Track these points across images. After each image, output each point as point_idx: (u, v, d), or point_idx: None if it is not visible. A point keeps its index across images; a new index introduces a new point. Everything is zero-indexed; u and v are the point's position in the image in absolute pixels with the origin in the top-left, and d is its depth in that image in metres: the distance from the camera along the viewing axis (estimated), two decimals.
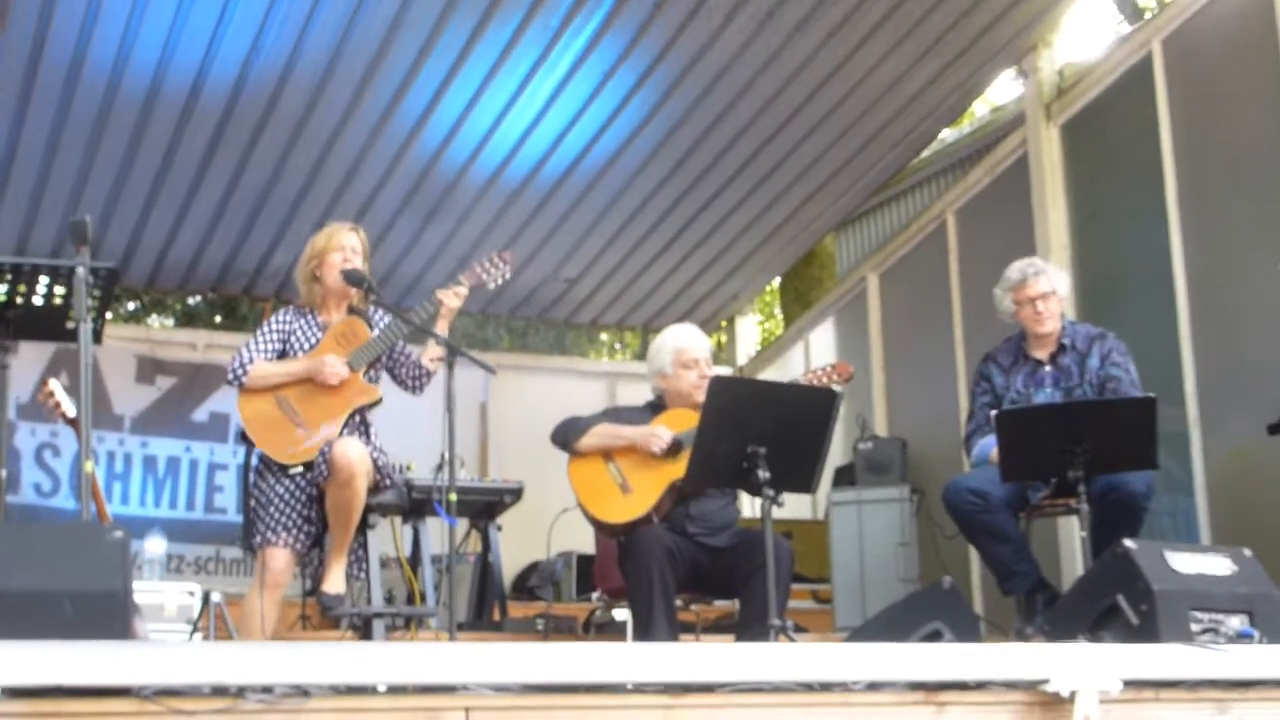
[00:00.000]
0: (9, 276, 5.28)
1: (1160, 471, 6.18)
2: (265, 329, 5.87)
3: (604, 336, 19.27)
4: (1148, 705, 3.63)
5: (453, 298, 5.74)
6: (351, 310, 5.87)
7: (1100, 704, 3.48)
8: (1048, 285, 6.35)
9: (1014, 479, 5.96)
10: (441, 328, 5.71)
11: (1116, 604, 4.33)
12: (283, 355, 5.77)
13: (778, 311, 16.83)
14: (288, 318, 5.88)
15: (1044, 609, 5.89)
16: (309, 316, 5.87)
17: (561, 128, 9.42)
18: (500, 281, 6.03)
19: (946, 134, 11.39)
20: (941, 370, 9.48)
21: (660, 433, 5.82)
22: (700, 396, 5.77)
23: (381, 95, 8.85)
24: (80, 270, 4.54)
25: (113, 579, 3.38)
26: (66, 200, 9.54)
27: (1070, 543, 7.57)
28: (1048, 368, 6.30)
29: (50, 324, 5.30)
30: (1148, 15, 11.54)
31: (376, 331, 5.78)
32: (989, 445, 6.14)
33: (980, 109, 12.50)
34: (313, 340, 5.77)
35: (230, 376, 5.73)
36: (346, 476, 5.39)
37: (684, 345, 6.10)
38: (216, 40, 8.18)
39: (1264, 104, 7.07)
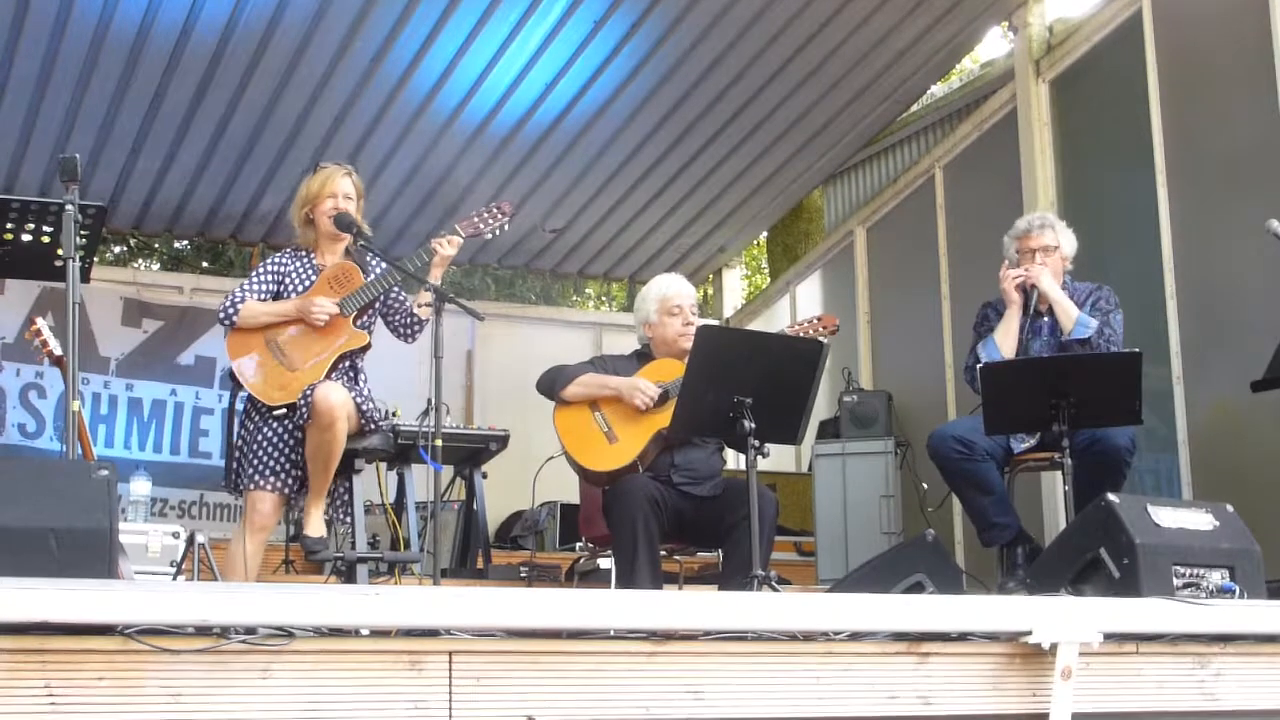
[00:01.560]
0: None
1: (1143, 428, 6.20)
2: (260, 270, 5.87)
3: (590, 288, 19.25)
4: (1128, 658, 3.66)
5: (446, 246, 5.73)
6: (348, 254, 5.85)
7: (1080, 656, 3.50)
8: (1052, 239, 6.36)
9: (998, 432, 5.98)
10: (435, 276, 5.70)
11: (1099, 557, 4.35)
12: (277, 296, 5.76)
13: (765, 266, 16.81)
14: (284, 259, 5.88)
15: (1025, 562, 5.92)
16: (305, 259, 5.86)
17: (551, 76, 9.38)
18: (499, 232, 6.02)
19: (935, 89, 11.35)
20: (928, 324, 9.49)
21: (646, 388, 5.82)
22: (685, 344, 5.78)
23: (372, 40, 8.81)
24: (69, 208, 4.52)
25: (99, 516, 3.38)
26: (54, 141, 9.50)
27: (1053, 497, 7.60)
28: (1045, 318, 6.30)
29: (38, 262, 5.30)
30: None
31: (370, 277, 5.76)
32: (989, 341, 6.23)
33: (969, 64, 12.44)
34: (307, 282, 5.76)
35: (221, 315, 5.72)
36: (328, 421, 5.39)
37: (669, 293, 6.11)
38: None
39: (1251, 61, 7.05)
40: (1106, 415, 5.75)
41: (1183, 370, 7.27)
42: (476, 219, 5.96)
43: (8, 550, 3.18)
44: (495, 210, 5.98)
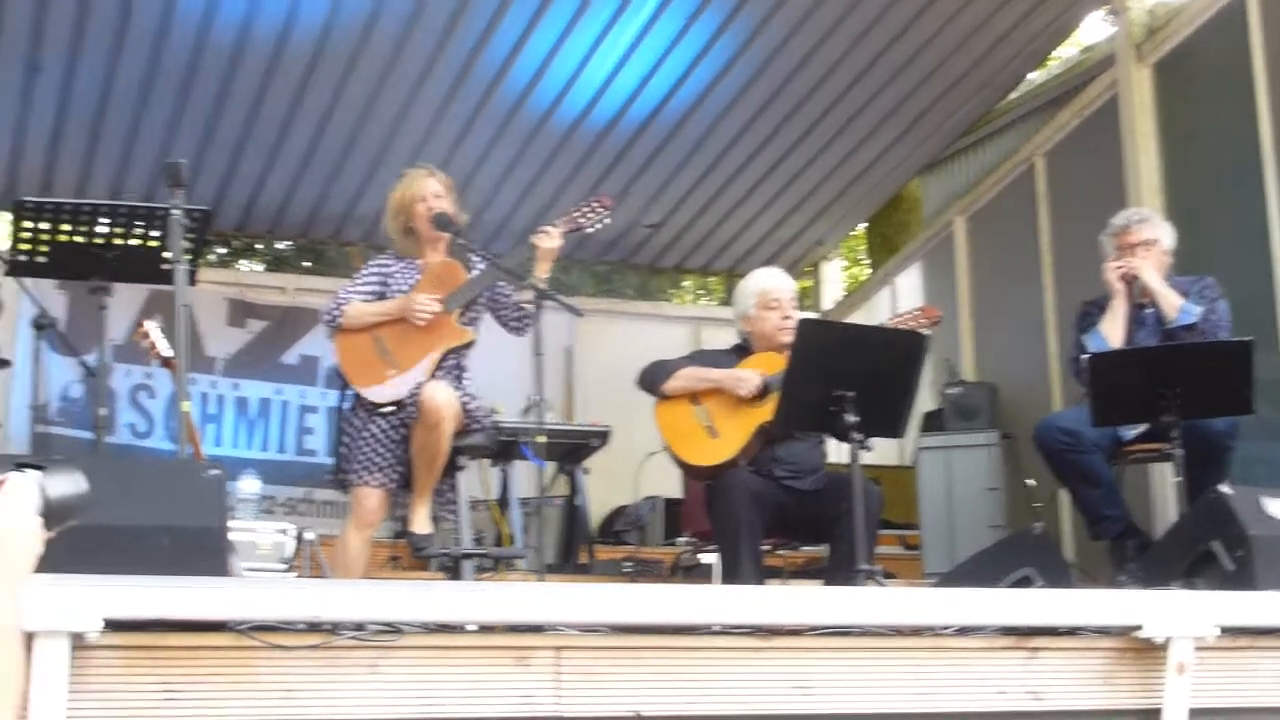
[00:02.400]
0: (106, 219, 5.37)
1: (1256, 418, 6.09)
2: (365, 271, 5.92)
3: (688, 282, 19.24)
4: (1243, 654, 3.61)
5: (545, 240, 5.73)
6: (451, 252, 5.88)
7: (1195, 651, 3.46)
8: (1150, 234, 6.29)
9: (1105, 423, 5.90)
10: (542, 270, 5.70)
11: (1211, 550, 4.28)
12: (381, 297, 5.79)
13: (864, 257, 16.71)
14: (388, 260, 5.92)
15: (1135, 555, 5.83)
16: (408, 259, 5.90)
17: (646, 70, 9.38)
18: (599, 226, 6.01)
19: (1034, 75, 11.22)
20: (1031, 314, 9.38)
21: (747, 376, 5.80)
22: (784, 338, 5.75)
23: (467, 38, 8.86)
24: (175, 212, 4.59)
25: (210, 515, 3.43)
26: (158, 147, 9.64)
27: (1162, 489, 7.49)
28: (1149, 309, 6.22)
29: (145, 266, 5.40)
30: None
31: (473, 274, 5.79)
32: (1095, 333, 6.16)
33: (1069, 50, 12.28)
34: (411, 282, 5.80)
35: (326, 317, 5.77)
36: (434, 420, 5.42)
37: (767, 287, 6.08)
38: None
39: None
40: (1216, 404, 5.65)
41: None
42: (576, 214, 5.96)
43: (122, 548, 3.23)
44: (595, 205, 5.97)
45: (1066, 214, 9.21)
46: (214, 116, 9.48)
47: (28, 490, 2.21)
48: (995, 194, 10.26)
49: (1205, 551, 4.30)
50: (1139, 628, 3.48)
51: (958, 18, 8.99)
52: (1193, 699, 3.46)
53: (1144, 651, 3.49)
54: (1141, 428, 6.04)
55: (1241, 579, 4.19)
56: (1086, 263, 6.55)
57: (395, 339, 5.68)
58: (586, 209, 5.95)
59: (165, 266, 4.75)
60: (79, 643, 2.75)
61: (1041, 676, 3.48)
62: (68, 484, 2.27)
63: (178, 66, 8.85)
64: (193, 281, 4.96)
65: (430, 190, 5.84)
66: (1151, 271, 6.16)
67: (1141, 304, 6.24)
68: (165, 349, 5.88)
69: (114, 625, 2.79)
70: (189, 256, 4.84)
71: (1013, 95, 11.02)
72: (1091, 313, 6.38)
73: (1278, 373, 7.01)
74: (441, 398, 5.45)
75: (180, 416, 4.53)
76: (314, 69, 9.03)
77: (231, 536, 4.02)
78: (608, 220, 6.00)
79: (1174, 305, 6.06)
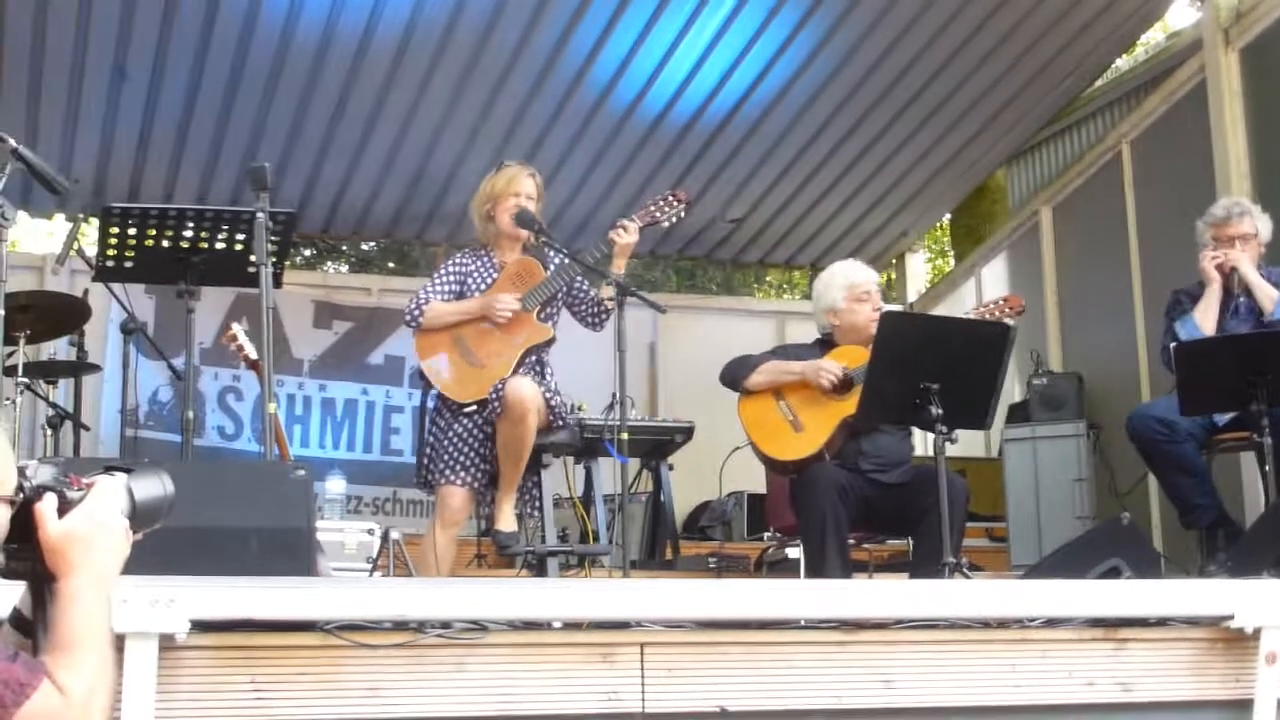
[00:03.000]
0: (191, 223, 5.45)
1: None
2: (443, 270, 5.96)
3: (771, 276, 19.21)
4: None
5: (624, 235, 5.75)
6: (526, 250, 5.91)
7: None
8: (1250, 227, 6.23)
9: (1195, 413, 5.84)
10: (619, 266, 5.72)
11: None
12: (460, 296, 5.83)
13: (949, 248, 16.61)
14: (464, 260, 5.96)
15: (1226, 545, 5.77)
16: (486, 257, 5.93)
17: (727, 65, 9.37)
18: (675, 220, 6.02)
19: (1120, 62, 11.10)
20: (1119, 303, 9.28)
21: (830, 367, 5.77)
22: (875, 329, 5.73)
23: (549, 36, 8.89)
24: (260, 215, 4.65)
25: (297, 516, 3.48)
26: (243, 151, 9.76)
27: (1253, 478, 7.38)
28: (1241, 298, 6.15)
29: (231, 269, 5.48)
30: None
31: (550, 271, 5.81)
32: (1189, 320, 6.10)
33: (1155, 35, 12.15)
34: (489, 280, 5.83)
35: (407, 318, 5.82)
36: (519, 414, 5.45)
37: (857, 279, 6.04)
38: None
39: None
40: None
41: None
42: (653, 207, 5.97)
43: (211, 550, 3.28)
44: (671, 199, 5.98)
45: (1154, 202, 9.10)
46: (298, 119, 9.59)
47: (115, 492, 2.24)
48: (1081, 183, 10.15)
49: None
50: (1229, 617, 3.44)
51: (1042, 5, 8.90)
52: None
53: (1234, 641, 3.45)
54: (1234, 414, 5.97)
55: None
56: (1175, 251, 6.48)
57: (477, 338, 5.71)
58: (663, 203, 5.97)
59: (251, 269, 4.81)
60: (167, 644, 2.79)
61: (1130, 668, 3.44)
62: (154, 486, 2.29)
63: (262, 70, 8.96)
64: (278, 284, 5.03)
65: (525, 190, 5.88)
66: (1249, 265, 6.11)
67: (1233, 292, 6.17)
68: (251, 351, 5.95)
69: (201, 626, 2.83)
70: (274, 259, 4.89)
71: (1099, 82, 10.91)
72: (1182, 301, 6.32)
73: None
74: (526, 391, 5.48)
75: (266, 418, 4.58)
76: (397, 69, 9.09)
77: (318, 537, 4.06)
78: (683, 214, 6.02)
79: (1271, 298, 6.00)
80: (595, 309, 5.90)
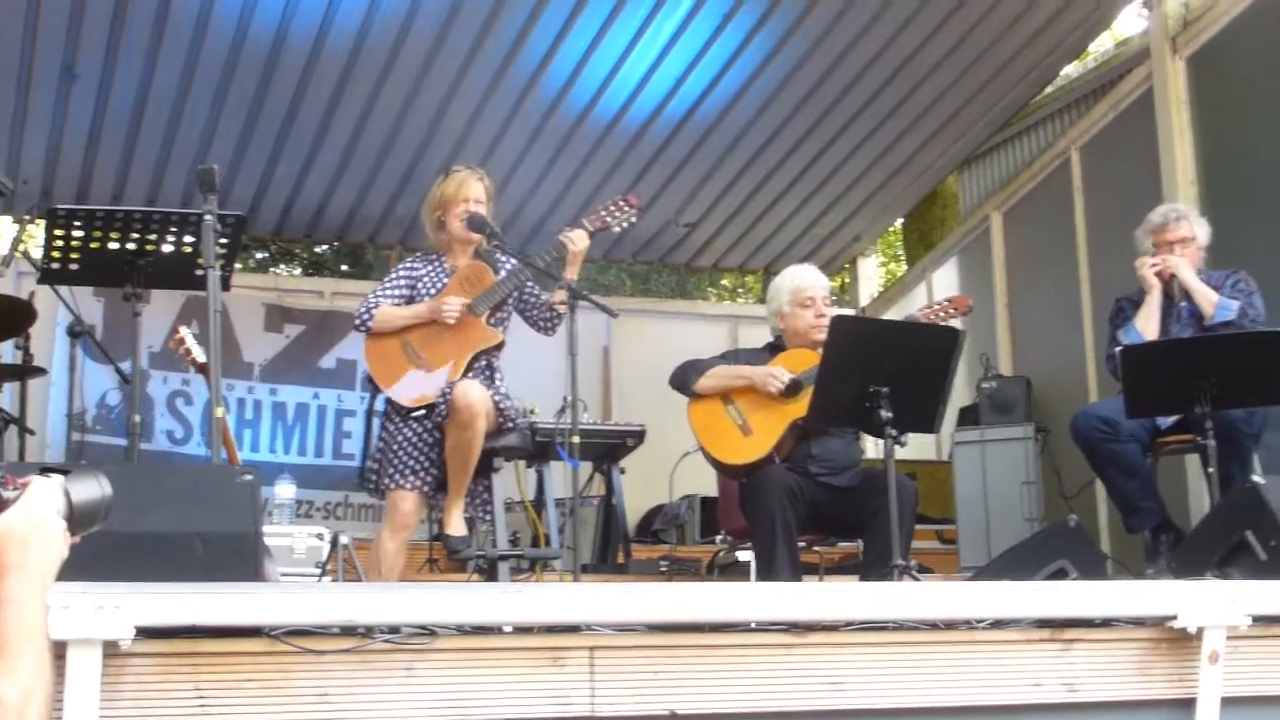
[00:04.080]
0: (139, 226, 5.41)
1: None
2: (394, 275, 5.96)
3: (725, 280, 19.24)
4: (1276, 641, 3.59)
5: (574, 242, 5.75)
6: (478, 255, 5.91)
7: (1228, 640, 3.45)
8: (1188, 231, 6.30)
9: (1139, 415, 5.89)
10: (571, 272, 5.72)
11: (1245, 540, 4.28)
12: (410, 301, 5.83)
13: (901, 253, 16.68)
14: (415, 264, 5.95)
15: (1169, 548, 5.82)
16: (437, 262, 5.92)
17: (682, 70, 9.39)
18: (626, 225, 6.03)
19: (1070, 70, 11.18)
20: (1067, 308, 9.35)
21: (778, 373, 5.80)
22: (817, 335, 5.76)
23: (502, 40, 8.88)
24: (208, 218, 4.62)
25: (244, 520, 3.45)
26: (194, 152, 9.70)
27: (1197, 482, 7.45)
28: (1183, 303, 6.21)
29: (180, 272, 5.44)
30: None
31: (501, 275, 5.81)
32: (1131, 327, 6.17)
33: (1104, 43, 12.23)
34: (439, 285, 5.83)
35: (357, 322, 5.81)
36: (467, 418, 5.44)
37: (801, 284, 6.07)
38: None
39: None
40: (1248, 395, 5.63)
41: None
42: (604, 213, 5.97)
43: (156, 555, 3.25)
44: (623, 203, 5.99)
45: (1102, 208, 9.17)
46: (250, 121, 9.53)
47: (51, 492, 2.21)
48: (1031, 188, 10.23)
49: (1239, 542, 4.30)
50: (1173, 618, 3.47)
51: (993, 13, 8.96)
52: (1225, 688, 3.45)
53: (1178, 642, 3.48)
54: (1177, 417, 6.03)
55: (1275, 568, 4.18)
56: (1122, 256, 6.53)
57: (425, 342, 5.71)
58: (614, 208, 5.97)
59: (199, 272, 4.78)
60: (111, 650, 2.77)
61: (1076, 668, 3.47)
62: (92, 488, 2.26)
63: (214, 70, 8.90)
64: (226, 287, 4.99)
65: (475, 194, 5.87)
66: (1189, 270, 6.17)
67: (1174, 298, 6.23)
68: (200, 355, 5.92)
69: (146, 632, 2.81)
70: (222, 262, 4.86)
71: (1048, 90, 10.99)
72: (1125, 309, 6.39)
73: None
74: (474, 395, 5.47)
75: (214, 422, 4.55)
76: (350, 72, 9.06)
77: (266, 541, 4.04)
78: (635, 219, 6.02)
79: (1211, 302, 6.06)
80: (547, 313, 5.90)
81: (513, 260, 5.87)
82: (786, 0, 8.70)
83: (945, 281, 11.55)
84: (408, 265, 5.97)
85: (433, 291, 5.81)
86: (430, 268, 5.91)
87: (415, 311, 5.76)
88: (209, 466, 4.94)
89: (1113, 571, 5.92)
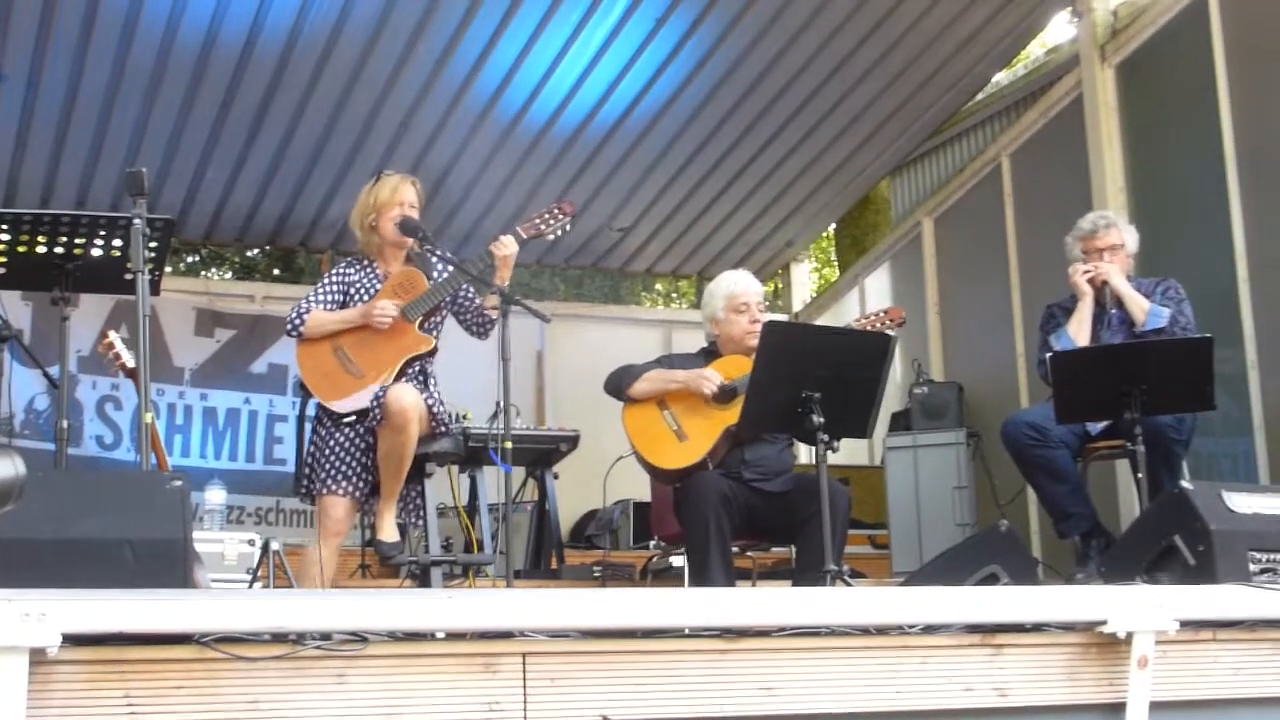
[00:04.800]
0: (66, 229, 5.35)
1: (1218, 413, 6.13)
2: (326, 280, 5.92)
3: (659, 285, 19.26)
4: (1205, 645, 3.62)
5: (502, 248, 5.74)
6: (410, 260, 5.88)
7: (1157, 645, 3.47)
8: (1117, 238, 6.36)
9: (1069, 421, 5.94)
10: (502, 277, 5.71)
11: (1173, 545, 4.31)
12: (343, 306, 5.79)
13: (834, 258, 16.76)
14: (348, 270, 5.91)
15: (1100, 554, 5.87)
16: (369, 268, 5.89)
17: (614, 75, 9.39)
18: (561, 233, 6.02)
19: (1001, 77, 11.26)
20: (998, 313, 9.42)
21: (711, 375, 5.82)
22: (751, 341, 5.77)
23: (435, 43, 8.85)
24: (137, 221, 4.57)
25: (173, 526, 3.42)
26: (124, 154, 9.61)
27: (1128, 488, 7.53)
28: (1114, 311, 6.27)
29: (109, 276, 5.37)
30: None
31: (434, 282, 5.79)
32: (1063, 333, 6.22)
33: (1035, 51, 12.34)
34: (372, 290, 5.79)
35: (289, 327, 5.76)
36: (400, 422, 5.41)
37: (735, 290, 6.09)
38: None
39: None
40: (1178, 401, 5.70)
41: (1258, 355, 7.18)
42: (538, 220, 5.96)
43: (84, 562, 3.22)
44: (557, 211, 5.98)
45: (1032, 214, 9.25)
46: (180, 123, 9.45)
47: None
48: (962, 194, 10.31)
49: (1168, 546, 4.33)
50: (1103, 623, 3.49)
51: (924, 20, 9.02)
52: (1155, 692, 3.47)
53: (1107, 646, 3.51)
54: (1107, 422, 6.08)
55: (1203, 573, 4.22)
56: (1052, 262, 6.58)
57: (357, 347, 5.67)
58: (549, 215, 5.97)
59: (128, 276, 4.73)
60: (38, 658, 2.73)
61: (1007, 673, 3.48)
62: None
63: (143, 73, 8.82)
64: (156, 291, 4.95)
65: (408, 198, 5.85)
66: (1120, 276, 6.23)
67: (1105, 305, 6.29)
68: (129, 360, 5.85)
69: (74, 640, 2.77)
70: (151, 266, 4.81)
71: (980, 96, 11.07)
72: (1055, 315, 6.44)
73: (1242, 369, 7.08)
74: (407, 399, 5.44)
75: (143, 428, 4.50)
76: (281, 74, 9.00)
77: (196, 547, 4.01)
78: (569, 226, 6.02)
79: (1143, 309, 6.12)
80: (479, 318, 5.89)
81: (447, 266, 5.85)
82: (718, 6, 8.73)
83: (877, 287, 11.61)
84: (340, 270, 5.94)
85: (366, 297, 5.78)
86: (363, 273, 5.87)
87: (347, 316, 5.72)
88: (137, 472, 4.88)
89: (1044, 576, 5.96)
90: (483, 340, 5.96)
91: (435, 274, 5.85)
